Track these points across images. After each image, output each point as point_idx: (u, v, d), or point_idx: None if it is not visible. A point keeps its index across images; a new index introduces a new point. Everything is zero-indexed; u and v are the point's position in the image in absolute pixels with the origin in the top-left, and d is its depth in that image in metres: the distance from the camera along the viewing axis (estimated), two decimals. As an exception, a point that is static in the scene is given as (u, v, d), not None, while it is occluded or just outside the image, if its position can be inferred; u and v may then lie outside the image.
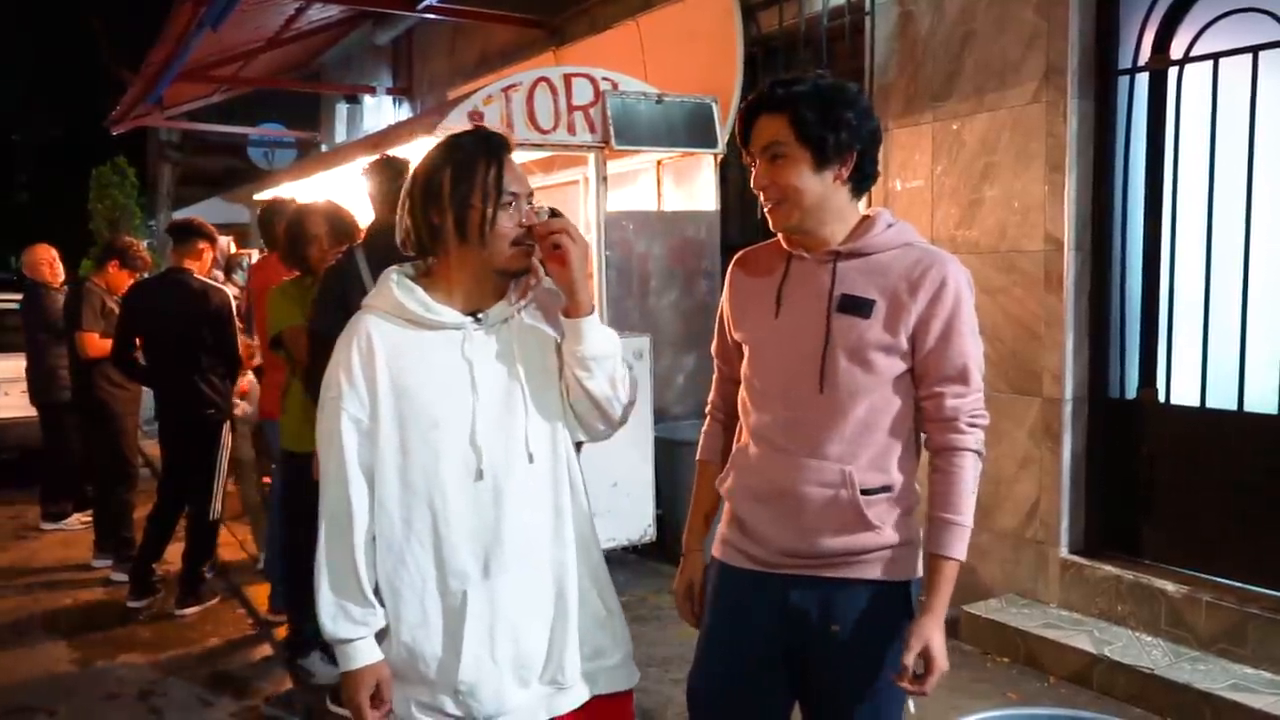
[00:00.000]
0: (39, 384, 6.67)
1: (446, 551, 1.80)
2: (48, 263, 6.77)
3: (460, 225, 1.79)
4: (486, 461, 1.80)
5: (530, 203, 1.83)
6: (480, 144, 1.83)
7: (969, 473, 1.89)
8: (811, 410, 1.90)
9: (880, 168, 2.02)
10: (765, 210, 1.94)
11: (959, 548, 1.88)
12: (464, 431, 1.80)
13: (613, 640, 1.96)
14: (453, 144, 1.84)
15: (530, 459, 1.83)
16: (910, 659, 1.82)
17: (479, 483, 1.80)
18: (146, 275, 5.79)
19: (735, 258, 2.12)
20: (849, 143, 1.87)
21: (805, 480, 1.90)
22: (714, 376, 2.21)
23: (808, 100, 1.85)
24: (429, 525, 1.80)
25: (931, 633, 1.83)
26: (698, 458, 2.22)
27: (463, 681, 1.80)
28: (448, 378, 1.80)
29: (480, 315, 1.84)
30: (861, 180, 1.93)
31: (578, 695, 1.89)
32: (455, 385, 1.80)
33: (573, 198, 6.48)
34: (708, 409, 2.22)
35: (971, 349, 1.89)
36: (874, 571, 1.91)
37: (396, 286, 1.83)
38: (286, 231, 4.00)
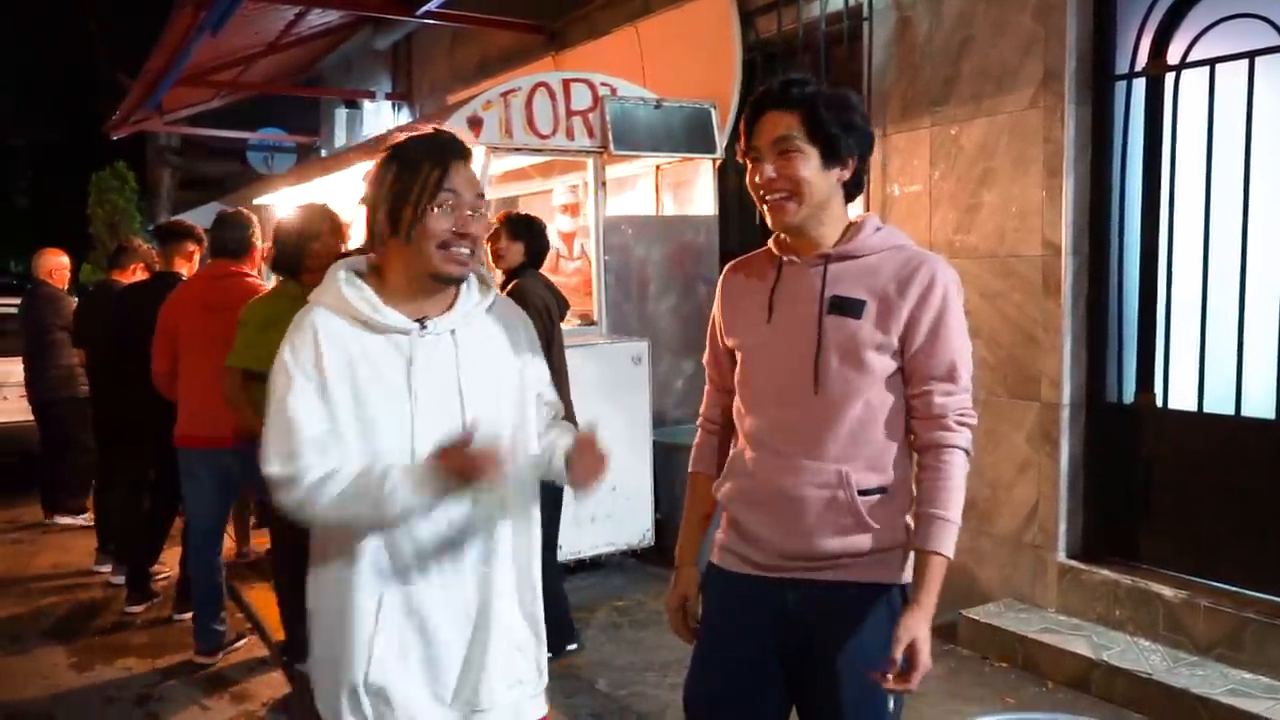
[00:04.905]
0: (50, 382, 6.65)
1: (366, 551, 1.79)
2: (60, 269, 6.89)
3: (394, 221, 1.80)
4: None
5: (476, 211, 1.82)
6: (429, 146, 1.83)
7: (958, 470, 1.89)
8: (807, 412, 1.91)
9: (879, 172, 2.05)
10: (766, 208, 1.94)
11: (948, 544, 1.87)
12: (401, 435, 1.79)
13: (534, 670, 1.95)
14: (403, 144, 1.85)
15: None
16: (898, 652, 1.80)
17: None
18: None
19: (726, 267, 2.15)
20: (854, 146, 1.92)
21: (803, 482, 1.90)
22: (705, 388, 2.21)
23: (823, 99, 1.89)
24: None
25: (919, 628, 1.82)
26: (690, 470, 2.20)
27: (371, 683, 1.79)
28: (388, 380, 1.80)
29: (426, 322, 1.83)
30: (855, 187, 1.97)
31: None
32: (395, 388, 1.80)
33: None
34: (699, 420, 2.22)
35: (959, 348, 1.90)
36: (870, 573, 1.92)
37: (345, 284, 1.84)
38: (287, 237, 4.00)
